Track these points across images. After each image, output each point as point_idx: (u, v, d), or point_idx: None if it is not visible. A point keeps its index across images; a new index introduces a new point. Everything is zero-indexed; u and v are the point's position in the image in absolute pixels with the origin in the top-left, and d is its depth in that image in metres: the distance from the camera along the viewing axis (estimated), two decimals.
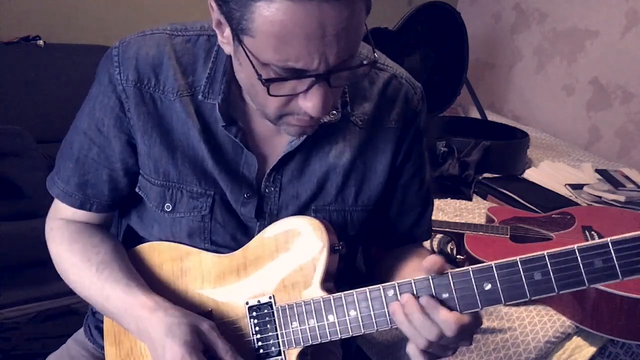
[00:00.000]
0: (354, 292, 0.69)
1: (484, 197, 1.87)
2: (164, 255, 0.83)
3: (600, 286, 1.11)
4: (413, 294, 0.66)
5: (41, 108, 2.06)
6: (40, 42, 2.12)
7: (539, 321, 1.22)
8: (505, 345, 1.23)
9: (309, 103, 0.65)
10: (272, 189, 0.80)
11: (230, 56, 0.75)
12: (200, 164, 0.79)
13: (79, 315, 1.60)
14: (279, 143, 0.80)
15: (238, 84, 0.76)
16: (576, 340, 1.21)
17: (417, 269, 0.78)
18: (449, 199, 1.83)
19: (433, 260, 0.65)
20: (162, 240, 0.84)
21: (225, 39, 0.68)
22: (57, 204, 0.86)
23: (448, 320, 0.63)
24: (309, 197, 0.81)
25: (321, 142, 0.80)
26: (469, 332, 0.65)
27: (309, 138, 0.78)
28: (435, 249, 1.48)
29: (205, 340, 0.72)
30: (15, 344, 1.53)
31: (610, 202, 1.79)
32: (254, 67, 0.63)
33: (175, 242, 0.83)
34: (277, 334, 0.75)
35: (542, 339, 1.19)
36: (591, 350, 1.20)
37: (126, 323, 0.76)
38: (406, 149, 0.85)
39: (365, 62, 0.69)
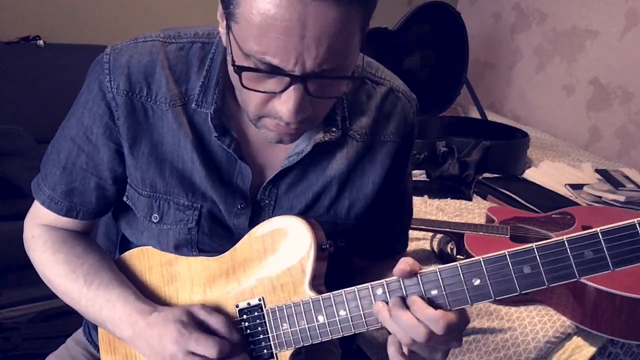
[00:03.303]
0: (343, 292, 0.68)
1: (484, 197, 1.87)
2: (153, 260, 0.82)
3: (600, 286, 1.11)
4: (402, 296, 0.65)
5: (41, 108, 2.06)
6: (40, 42, 2.12)
7: (539, 321, 1.22)
8: (505, 345, 1.23)
9: (283, 106, 0.62)
10: (267, 201, 0.79)
11: (225, 63, 0.74)
12: (189, 176, 0.77)
13: (78, 315, 1.59)
14: (274, 154, 0.79)
15: (233, 91, 0.74)
16: (576, 340, 1.21)
17: None
18: (449, 199, 1.83)
19: (403, 264, 0.63)
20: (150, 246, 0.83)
21: (223, 28, 0.66)
22: (39, 208, 0.83)
23: (435, 317, 0.61)
24: (303, 209, 0.80)
25: (319, 156, 0.78)
26: (457, 330, 0.63)
27: (308, 152, 0.76)
28: (435, 249, 1.48)
29: (198, 318, 0.72)
30: (15, 344, 1.53)
31: (610, 202, 1.79)
32: (232, 54, 0.61)
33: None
34: (268, 337, 0.74)
35: (542, 339, 1.19)
36: (591, 350, 1.19)
37: (119, 330, 0.75)
38: (399, 161, 0.85)
39: (348, 76, 0.63)
